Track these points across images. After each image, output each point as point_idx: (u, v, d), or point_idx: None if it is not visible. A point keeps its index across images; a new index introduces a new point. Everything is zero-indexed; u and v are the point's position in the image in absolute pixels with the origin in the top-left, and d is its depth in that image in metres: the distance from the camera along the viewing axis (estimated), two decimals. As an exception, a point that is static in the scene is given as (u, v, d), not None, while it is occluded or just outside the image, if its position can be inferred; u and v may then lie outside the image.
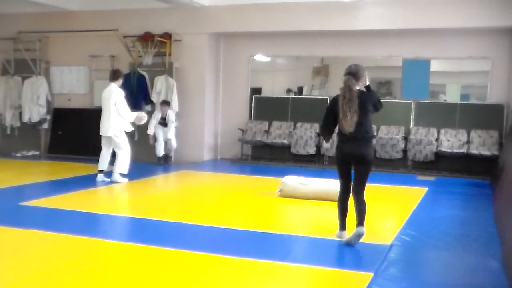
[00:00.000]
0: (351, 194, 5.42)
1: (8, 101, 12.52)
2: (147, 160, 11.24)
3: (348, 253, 5.19)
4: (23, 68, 12.50)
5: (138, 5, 11.75)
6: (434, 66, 10.98)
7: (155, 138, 11.16)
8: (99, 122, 8.73)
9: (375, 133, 10.19)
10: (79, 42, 12.31)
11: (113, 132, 8.62)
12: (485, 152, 9.96)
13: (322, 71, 12.18)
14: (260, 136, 11.69)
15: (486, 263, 4.86)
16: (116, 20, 11.79)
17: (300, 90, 12.31)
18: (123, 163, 8.73)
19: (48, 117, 12.51)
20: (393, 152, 10.48)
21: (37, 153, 12.50)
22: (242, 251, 4.91)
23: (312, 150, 11.10)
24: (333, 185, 7.29)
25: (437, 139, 10.47)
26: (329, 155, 10.92)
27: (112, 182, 8.61)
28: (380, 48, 11.14)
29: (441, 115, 10.81)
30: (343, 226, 5.42)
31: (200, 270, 4.45)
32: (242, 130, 11.93)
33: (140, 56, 11.76)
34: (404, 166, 10.64)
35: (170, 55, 11.62)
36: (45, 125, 12.54)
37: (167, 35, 11.59)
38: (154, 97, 11.50)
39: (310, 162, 11.18)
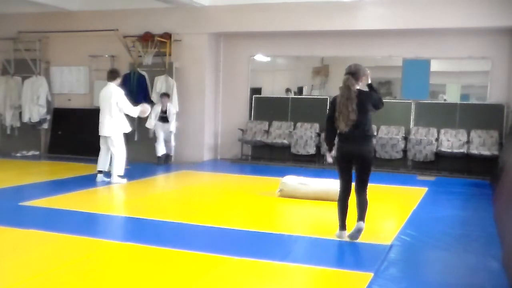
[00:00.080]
0: (351, 193, 5.44)
1: (8, 101, 12.52)
2: (147, 160, 11.23)
3: (348, 253, 5.20)
4: (23, 68, 12.50)
5: (138, 5, 11.75)
6: (434, 66, 10.98)
7: (154, 133, 11.12)
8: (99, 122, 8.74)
9: (375, 133, 10.22)
10: (79, 42, 12.31)
11: (112, 132, 8.61)
12: (485, 152, 9.96)
13: (322, 71, 12.18)
14: (260, 136, 11.69)
15: (486, 263, 4.86)
16: (116, 20, 11.79)
17: (300, 90, 12.32)
18: (120, 164, 8.72)
19: (48, 117, 12.51)
20: (393, 152, 10.48)
21: (37, 153, 12.50)
22: (242, 251, 4.91)
23: (312, 150, 11.10)
24: (333, 185, 7.29)
25: (437, 139, 10.47)
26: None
27: (111, 183, 8.60)
28: (380, 48, 11.14)
29: (441, 115, 10.81)
30: (343, 226, 5.43)
31: (200, 270, 4.45)
32: (242, 130, 11.93)
33: (140, 56, 11.76)
34: (404, 166, 10.64)
35: (170, 55, 11.62)
36: (45, 125, 12.54)
37: (167, 35, 11.58)
38: (154, 97, 11.49)
39: (310, 162, 11.18)
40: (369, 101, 5.29)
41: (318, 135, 11.15)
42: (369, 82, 5.40)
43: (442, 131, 10.59)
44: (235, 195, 8.07)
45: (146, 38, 11.57)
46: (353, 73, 5.28)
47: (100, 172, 8.75)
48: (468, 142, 10.34)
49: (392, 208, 7.49)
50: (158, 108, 11.04)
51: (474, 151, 10.07)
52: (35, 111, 12.23)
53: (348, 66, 5.40)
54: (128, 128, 8.94)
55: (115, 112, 8.58)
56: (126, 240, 5.31)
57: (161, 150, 11.11)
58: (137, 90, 11.34)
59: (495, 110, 10.45)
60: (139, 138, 11.62)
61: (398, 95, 11.37)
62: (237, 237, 5.57)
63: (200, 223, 6.07)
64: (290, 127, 11.64)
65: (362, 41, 11.17)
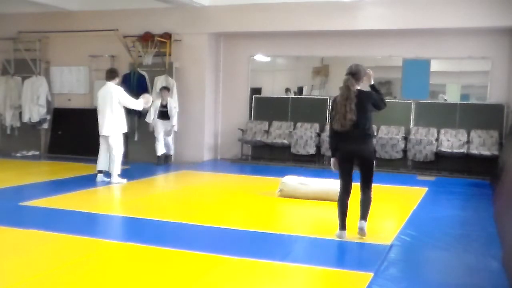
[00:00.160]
0: (351, 193, 5.46)
1: (8, 101, 12.52)
2: (147, 160, 11.24)
3: (348, 253, 5.20)
4: (23, 68, 12.50)
5: (138, 5, 11.75)
6: (434, 66, 10.98)
7: (153, 128, 11.09)
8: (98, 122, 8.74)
9: (375, 133, 10.22)
10: (79, 42, 12.31)
11: (113, 131, 8.61)
12: (485, 152, 9.96)
13: (322, 71, 12.18)
14: (260, 136, 11.69)
15: (486, 263, 4.86)
16: (116, 20, 11.79)
17: (300, 90, 12.32)
18: (119, 164, 8.72)
19: (48, 117, 12.51)
20: (393, 152, 10.48)
21: (37, 153, 12.50)
22: (242, 251, 4.91)
23: (312, 150, 11.10)
24: (333, 185, 7.29)
25: (437, 139, 10.47)
26: (329, 155, 10.88)
27: (111, 183, 8.60)
28: (380, 48, 11.15)
29: (441, 115, 10.81)
30: (343, 226, 5.44)
31: (200, 270, 4.45)
32: (242, 130, 11.93)
33: (140, 56, 11.76)
34: (404, 166, 10.64)
35: (170, 55, 11.62)
36: (45, 125, 12.54)
37: (167, 35, 11.58)
38: (154, 97, 11.47)
39: (310, 162, 11.18)
40: (369, 101, 5.31)
41: (318, 135, 11.15)
42: (372, 83, 5.43)
43: (442, 131, 10.59)
44: (235, 195, 8.07)
45: (146, 38, 11.57)
46: (354, 74, 5.30)
47: (100, 172, 8.74)
48: (468, 142, 10.34)
49: (392, 208, 7.49)
50: (157, 102, 11.02)
51: (474, 151, 10.07)
52: (35, 111, 12.23)
53: (349, 66, 5.42)
54: (126, 128, 8.93)
55: (116, 111, 8.58)
56: (126, 240, 5.31)
57: (160, 149, 11.10)
58: (137, 90, 11.26)
59: (495, 110, 10.45)
60: (139, 138, 11.62)
61: (398, 95, 11.37)
62: (237, 237, 5.57)
63: (200, 223, 6.07)
64: (290, 127, 11.64)
65: (362, 41, 11.17)
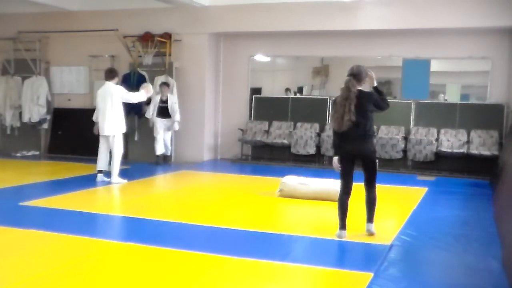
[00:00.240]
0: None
1: (8, 101, 12.51)
2: (147, 160, 11.24)
3: (348, 253, 5.20)
4: (23, 68, 12.50)
5: (138, 5, 11.75)
6: (434, 66, 10.98)
7: (153, 125, 11.07)
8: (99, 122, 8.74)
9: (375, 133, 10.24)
10: (79, 42, 12.31)
11: (114, 131, 8.61)
12: (485, 152, 9.96)
13: (322, 71, 12.18)
14: (260, 136, 11.69)
15: (486, 263, 4.86)
16: (116, 20, 11.79)
17: (300, 90, 12.32)
18: (118, 163, 8.72)
19: (48, 117, 12.50)
20: (393, 152, 10.48)
21: (37, 153, 12.50)
22: (242, 251, 4.91)
23: (312, 150, 11.10)
24: (333, 185, 7.29)
25: (437, 139, 10.47)
26: (329, 155, 10.92)
27: (111, 183, 8.59)
28: (380, 48, 11.14)
29: (441, 115, 10.81)
30: (343, 226, 5.45)
31: (200, 270, 4.45)
32: (242, 130, 11.93)
33: (140, 56, 11.75)
34: (404, 166, 10.64)
35: (170, 55, 11.62)
36: (45, 125, 12.54)
37: (167, 35, 11.58)
38: (154, 95, 11.46)
39: (310, 162, 11.18)
40: (369, 101, 5.33)
41: (318, 135, 11.15)
42: (375, 84, 5.46)
43: (442, 131, 10.59)
44: (235, 195, 8.07)
45: (146, 38, 11.56)
46: (355, 75, 5.33)
47: (100, 172, 8.74)
48: (468, 142, 10.34)
49: (392, 208, 7.48)
50: (157, 98, 11.00)
51: (474, 151, 10.07)
52: (35, 111, 12.23)
53: (350, 67, 5.44)
54: (125, 128, 8.93)
55: (116, 111, 8.58)
56: (126, 240, 5.31)
57: (159, 149, 11.08)
58: (137, 90, 11.31)
59: (495, 110, 10.45)
60: (139, 138, 11.62)
61: (398, 95, 11.37)
62: (237, 237, 5.58)
63: (200, 223, 6.07)
64: (290, 127, 11.64)
65: (362, 41, 11.17)
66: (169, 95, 11.02)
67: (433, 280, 4.41)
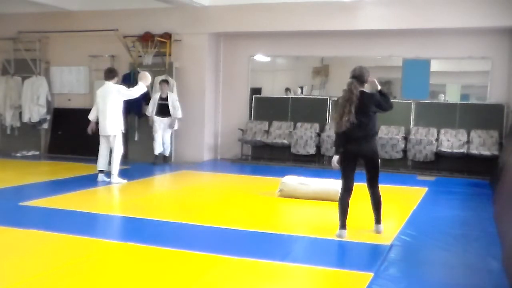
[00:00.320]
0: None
1: (8, 101, 12.52)
2: (147, 160, 11.23)
3: (348, 253, 5.20)
4: (23, 68, 12.50)
5: (138, 5, 11.75)
6: (434, 66, 10.98)
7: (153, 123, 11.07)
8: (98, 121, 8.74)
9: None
10: (79, 42, 12.31)
11: (114, 131, 8.61)
12: (485, 152, 9.96)
13: (322, 71, 12.18)
14: (260, 136, 11.69)
15: (486, 263, 4.86)
16: (116, 20, 11.79)
17: (300, 89, 12.32)
18: (118, 163, 8.72)
19: (48, 117, 12.51)
20: (393, 152, 10.48)
21: (37, 153, 12.50)
22: (242, 251, 4.91)
23: (312, 150, 11.10)
24: (333, 185, 7.30)
25: (437, 139, 10.47)
26: (329, 155, 10.92)
27: (111, 183, 8.59)
28: (380, 48, 11.14)
29: (441, 115, 10.81)
30: (343, 225, 5.46)
31: (200, 270, 4.45)
32: (242, 130, 11.93)
33: (140, 56, 11.75)
34: (404, 166, 10.63)
35: (170, 55, 11.62)
36: (45, 125, 12.54)
37: (167, 35, 11.58)
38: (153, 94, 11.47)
39: (310, 162, 11.18)
40: (372, 102, 5.39)
41: (318, 135, 11.15)
42: (379, 88, 5.51)
43: (442, 131, 10.59)
44: (235, 195, 8.07)
45: (146, 38, 11.57)
46: (357, 77, 5.38)
47: (101, 171, 8.74)
48: (468, 142, 10.34)
49: (392, 208, 7.47)
50: (156, 96, 11.00)
51: (474, 151, 10.06)
52: (35, 111, 12.23)
53: (352, 69, 5.48)
54: (123, 128, 8.92)
55: (116, 111, 8.59)
56: (126, 240, 5.31)
57: (158, 148, 11.08)
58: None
59: (495, 110, 10.45)
60: (139, 138, 11.62)
61: (398, 95, 11.36)
62: (237, 237, 5.58)
63: (200, 223, 6.07)
64: (290, 127, 11.64)
65: (362, 41, 11.17)
66: (169, 92, 11.02)
67: (433, 280, 4.41)
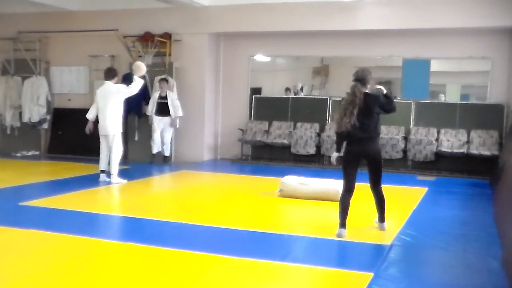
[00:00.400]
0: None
1: (8, 101, 12.52)
2: (147, 160, 11.23)
3: (348, 253, 5.20)
4: (23, 68, 12.50)
5: (138, 5, 11.75)
6: (434, 66, 10.98)
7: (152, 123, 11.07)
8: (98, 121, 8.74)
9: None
10: (79, 42, 12.30)
11: (114, 130, 8.61)
12: (485, 152, 9.96)
13: (322, 71, 12.18)
14: (260, 136, 11.69)
15: (486, 263, 4.86)
16: (116, 20, 11.79)
17: (300, 89, 12.32)
18: (118, 163, 8.71)
19: (48, 117, 12.51)
20: (393, 152, 10.48)
21: (37, 153, 12.50)
22: (242, 251, 4.91)
23: (312, 150, 11.10)
24: (333, 185, 7.31)
25: (437, 139, 10.47)
26: (329, 154, 10.92)
27: (111, 183, 8.59)
28: (380, 48, 11.14)
29: (441, 115, 10.81)
30: (343, 225, 5.49)
31: (200, 270, 4.45)
32: (242, 130, 11.93)
33: (140, 56, 11.73)
34: (404, 166, 10.63)
35: (170, 55, 11.62)
36: (45, 125, 12.54)
37: (167, 35, 11.58)
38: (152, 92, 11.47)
39: (310, 162, 11.18)
40: (375, 103, 5.46)
41: (318, 135, 11.15)
42: (385, 92, 5.57)
43: (442, 131, 10.59)
44: (235, 195, 8.07)
45: (146, 38, 11.57)
46: (361, 80, 5.44)
47: (102, 171, 8.74)
48: (468, 142, 10.34)
49: (392, 208, 7.45)
50: (156, 95, 10.99)
51: (474, 151, 10.06)
52: (35, 111, 12.23)
53: (355, 71, 5.54)
54: (122, 128, 8.92)
55: (116, 110, 8.59)
56: (126, 240, 5.30)
57: (155, 147, 11.07)
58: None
59: (495, 110, 10.45)
60: (139, 138, 11.62)
61: (398, 95, 11.36)
62: (237, 237, 5.58)
63: (200, 223, 6.07)
64: (290, 127, 11.64)
65: (362, 41, 11.17)
66: (168, 91, 11.02)
67: (433, 280, 4.41)
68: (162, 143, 11.19)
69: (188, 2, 11.08)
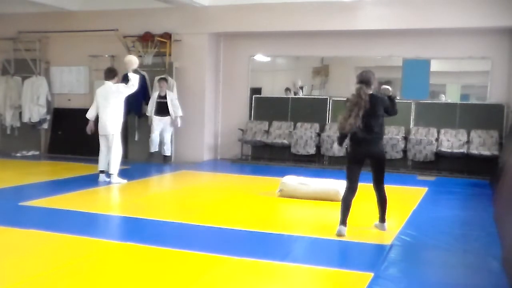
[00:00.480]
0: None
1: (8, 101, 12.52)
2: (147, 160, 11.23)
3: (348, 253, 5.20)
4: (23, 68, 12.50)
5: (138, 5, 11.75)
6: (434, 66, 10.98)
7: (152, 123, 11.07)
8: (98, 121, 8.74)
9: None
10: (79, 42, 12.30)
11: (112, 130, 8.61)
12: (485, 152, 9.96)
13: (322, 71, 12.18)
14: (260, 136, 11.69)
15: (486, 263, 4.86)
16: (116, 20, 11.79)
17: (300, 89, 12.32)
18: (118, 163, 8.71)
19: (48, 117, 12.51)
20: (393, 152, 10.47)
21: (37, 153, 12.50)
22: (242, 251, 4.91)
23: (312, 150, 11.10)
24: (333, 185, 7.31)
25: (437, 139, 10.47)
26: (329, 154, 10.94)
27: (111, 183, 8.59)
28: (380, 48, 11.15)
29: (441, 115, 10.81)
30: (344, 222, 5.52)
31: (200, 270, 4.45)
32: (242, 130, 11.93)
33: (140, 56, 11.71)
34: (404, 166, 10.63)
35: (170, 55, 11.62)
36: (45, 125, 12.54)
37: (167, 35, 11.58)
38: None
39: (310, 162, 11.18)
40: (381, 105, 5.52)
41: (318, 135, 11.15)
42: (390, 94, 5.63)
43: (442, 131, 10.59)
44: (235, 195, 8.07)
45: (146, 38, 11.57)
46: (366, 81, 5.47)
47: (102, 172, 8.74)
48: (468, 142, 10.34)
49: (392, 208, 7.44)
50: (155, 94, 10.99)
51: (474, 151, 10.06)
52: (35, 111, 12.23)
53: (359, 74, 5.58)
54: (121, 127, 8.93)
55: (116, 110, 8.59)
56: (126, 240, 5.30)
57: (153, 147, 11.07)
58: (137, 90, 11.27)
59: (495, 110, 10.45)
60: (139, 137, 11.62)
61: (398, 95, 11.36)
62: (237, 237, 5.57)
63: (200, 223, 6.07)
64: (290, 127, 11.64)
65: (362, 41, 11.17)
66: (167, 91, 11.02)
67: (433, 280, 4.41)
68: (162, 143, 11.19)
69: (188, 2, 11.08)
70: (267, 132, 11.76)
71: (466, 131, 10.46)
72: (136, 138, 11.63)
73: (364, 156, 5.55)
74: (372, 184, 5.71)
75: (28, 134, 12.56)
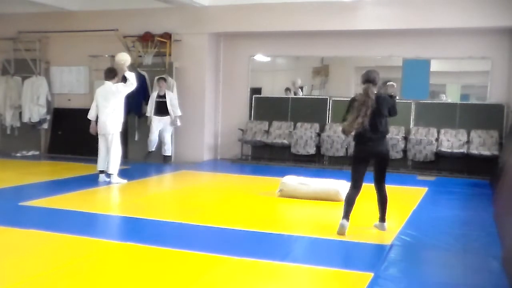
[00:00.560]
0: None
1: (8, 101, 12.52)
2: (145, 159, 11.23)
3: (348, 253, 5.20)
4: (23, 68, 12.50)
5: (138, 5, 11.75)
6: (434, 66, 10.98)
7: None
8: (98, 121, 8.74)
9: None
10: (79, 42, 12.30)
11: (112, 130, 8.61)
12: (485, 152, 9.96)
13: (322, 71, 12.18)
14: (260, 136, 11.68)
15: (486, 263, 4.86)
16: (116, 20, 11.79)
17: (300, 89, 12.32)
18: (118, 163, 8.71)
19: (48, 117, 12.51)
20: (393, 152, 10.46)
21: (37, 153, 12.50)
22: (242, 251, 4.91)
23: (312, 150, 11.09)
24: (333, 185, 7.31)
25: (437, 139, 10.47)
26: (329, 154, 10.94)
27: (111, 183, 8.59)
28: (380, 48, 11.14)
29: (441, 115, 10.81)
30: (347, 216, 5.55)
31: (200, 270, 4.45)
32: (242, 130, 11.93)
33: (140, 56, 11.75)
34: (404, 166, 10.63)
35: (170, 55, 11.62)
36: (45, 125, 12.54)
37: (167, 35, 11.58)
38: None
39: (310, 162, 11.18)
40: (386, 105, 5.60)
41: (318, 135, 11.15)
42: (392, 93, 5.79)
43: (442, 131, 10.59)
44: (235, 195, 8.07)
45: (146, 38, 11.57)
46: (372, 81, 5.52)
47: (101, 172, 8.74)
48: (468, 142, 10.34)
49: (392, 208, 7.44)
50: (154, 94, 10.99)
51: (474, 151, 10.06)
52: (35, 111, 12.23)
53: (364, 73, 5.61)
54: (121, 127, 8.92)
55: (116, 110, 8.59)
56: (126, 240, 5.30)
57: (151, 146, 11.07)
58: (137, 90, 11.28)
59: (495, 110, 10.45)
60: (139, 137, 11.62)
61: (398, 95, 11.34)
62: (237, 237, 5.57)
63: (200, 223, 6.07)
64: (290, 127, 11.64)
65: (362, 41, 11.17)
66: (167, 91, 11.02)
67: (433, 280, 4.41)
68: (162, 143, 11.19)
69: (188, 2, 11.08)
70: (267, 132, 11.76)
71: (466, 131, 10.46)
72: (136, 138, 11.63)
73: (370, 155, 5.58)
74: (373, 184, 5.73)
75: (28, 134, 12.56)
